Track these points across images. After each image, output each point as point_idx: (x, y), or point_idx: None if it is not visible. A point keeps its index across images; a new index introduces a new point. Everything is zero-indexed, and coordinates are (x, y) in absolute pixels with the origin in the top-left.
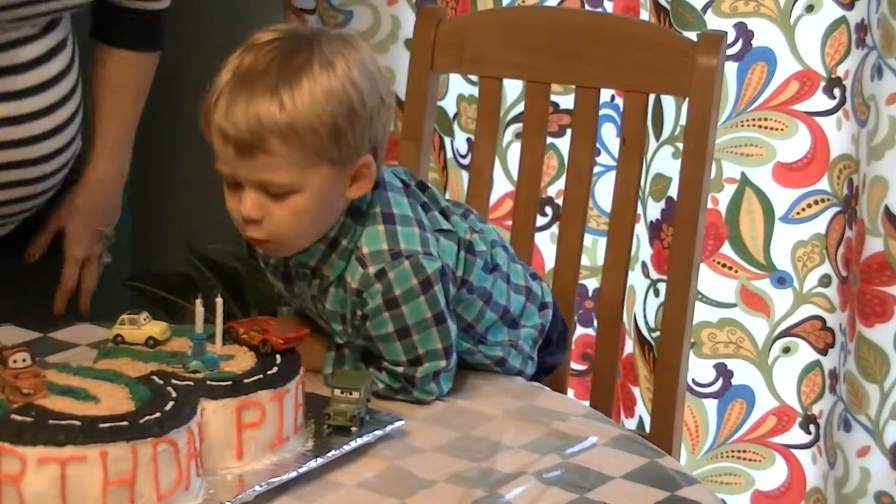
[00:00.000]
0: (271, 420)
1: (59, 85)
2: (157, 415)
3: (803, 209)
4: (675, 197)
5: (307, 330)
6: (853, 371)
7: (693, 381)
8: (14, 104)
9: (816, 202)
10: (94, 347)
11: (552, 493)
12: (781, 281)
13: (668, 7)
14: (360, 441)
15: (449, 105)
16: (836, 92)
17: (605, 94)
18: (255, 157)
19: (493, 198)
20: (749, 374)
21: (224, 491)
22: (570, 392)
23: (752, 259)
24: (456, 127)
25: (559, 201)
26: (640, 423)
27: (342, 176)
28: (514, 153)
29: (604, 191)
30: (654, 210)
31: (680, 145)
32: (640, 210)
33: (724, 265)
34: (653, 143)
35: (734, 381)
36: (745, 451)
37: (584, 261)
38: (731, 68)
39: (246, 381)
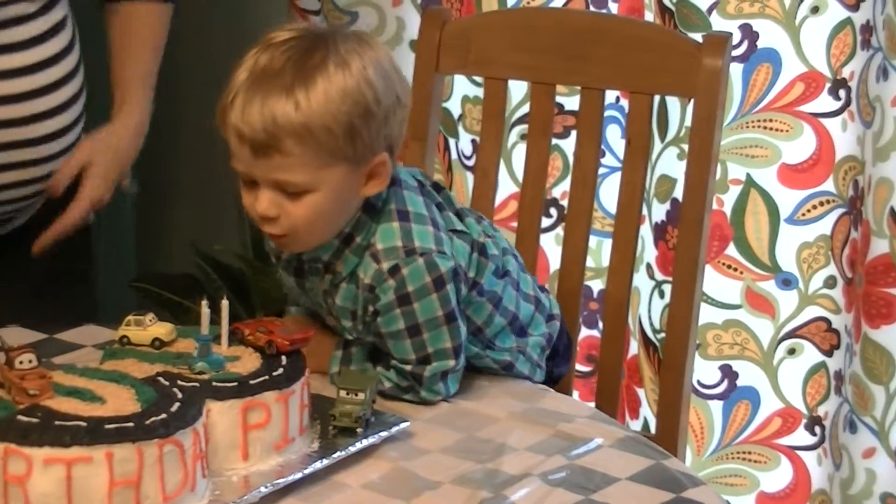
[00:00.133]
0: (277, 421)
1: (59, 64)
2: (163, 416)
3: (809, 210)
4: (680, 198)
5: (312, 331)
6: (859, 372)
7: (698, 382)
8: (12, 82)
9: (822, 203)
10: (99, 348)
11: (557, 494)
12: (787, 282)
13: (672, 8)
14: (365, 442)
15: (454, 106)
16: (842, 93)
17: (611, 96)
18: (270, 157)
19: (498, 199)
20: (754, 375)
21: (230, 492)
22: (575, 394)
23: (757, 260)
24: (461, 128)
25: (564, 203)
26: (646, 424)
27: (358, 174)
28: (519, 154)
29: (609, 192)
30: (659, 211)
31: (685, 146)
32: (645, 211)
33: (729, 266)
34: (658, 145)
35: (739, 383)
36: (750, 453)
37: (589, 262)
38: (736, 69)
39: (251, 382)
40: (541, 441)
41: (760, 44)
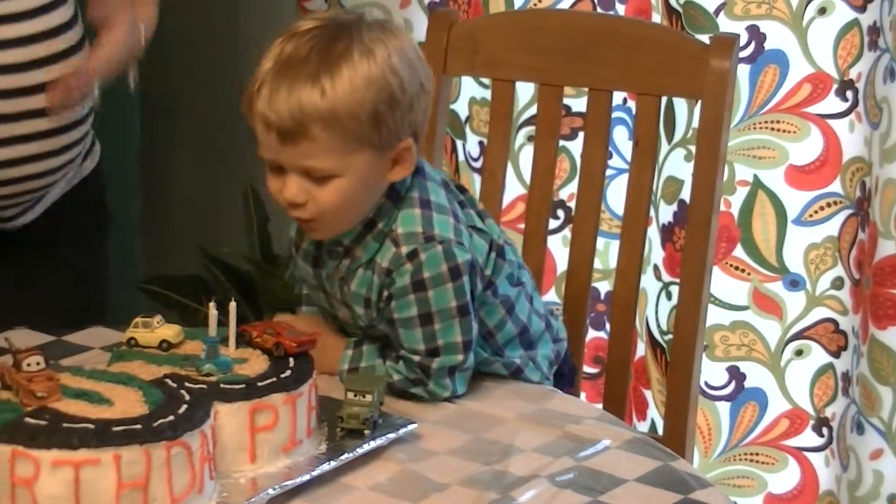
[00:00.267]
0: (284, 423)
1: (67, 34)
2: (171, 418)
3: (816, 212)
4: (687, 199)
5: (320, 333)
6: (866, 374)
7: (706, 383)
8: (22, 50)
9: (829, 205)
10: (107, 350)
11: (565, 496)
12: (794, 283)
13: (680, 10)
14: (372, 444)
15: (461, 108)
16: (849, 94)
17: (618, 97)
18: (297, 143)
19: (506, 201)
20: (762, 376)
21: (237, 494)
22: (583, 395)
23: (764, 262)
24: (468, 130)
25: (571, 204)
26: (653, 426)
27: (383, 160)
28: (526, 156)
29: (616, 194)
30: (666, 213)
31: (692, 148)
32: (652, 213)
33: (736, 268)
34: (665, 146)
35: (747, 384)
36: (757, 454)
37: (597, 264)
38: (743, 71)
39: (259, 384)
40: (548, 442)
41: (768, 45)
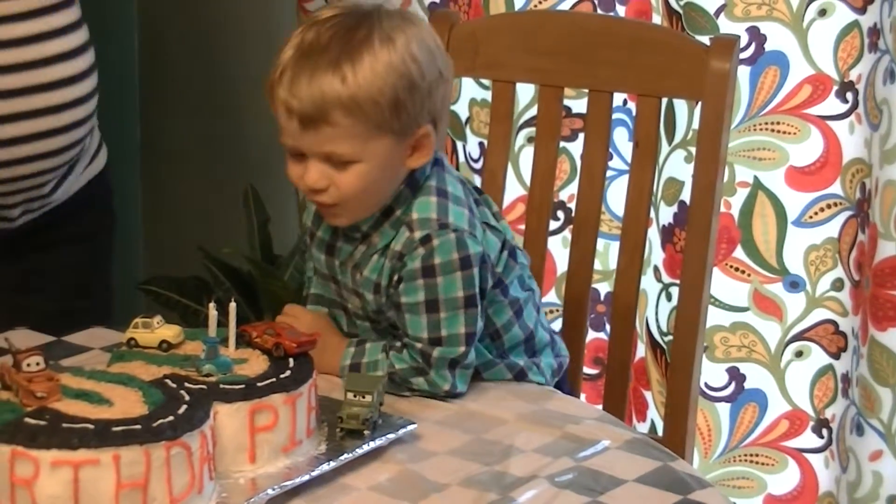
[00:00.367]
0: (284, 423)
1: (82, 56)
2: (171, 418)
3: (816, 213)
4: (687, 201)
5: (320, 333)
6: (866, 375)
7: (706, 384)
8: (42, 71)
9: (829, 206)
10: (107, 351)
11: (565, 496)
12: (794, 285)
13: (680, 11)
14: (372, 444)
15: (461, 109)
16: (849, 96)
17: (618, 99)
18: (318, 128)
19: (506, 202)
20: (762, 377)
21: (237, 494)
22: (583, 396)
23: (764, 263)
24: (468, 131)
25: (571, 205)
26: (653, 427)
27: (403, 146)
28: (526, 157)
29: (616, 195)
30: (666, 214)
31: (692, 149)
32: (652, 214)
33: (736, 269)
34: (665, 147)
35: (747, 385)
36: (757, 455)
37: (597, 265)
38: (743, 72)
39: (259, 384)
40: (548, 443)
41: (768, 46)
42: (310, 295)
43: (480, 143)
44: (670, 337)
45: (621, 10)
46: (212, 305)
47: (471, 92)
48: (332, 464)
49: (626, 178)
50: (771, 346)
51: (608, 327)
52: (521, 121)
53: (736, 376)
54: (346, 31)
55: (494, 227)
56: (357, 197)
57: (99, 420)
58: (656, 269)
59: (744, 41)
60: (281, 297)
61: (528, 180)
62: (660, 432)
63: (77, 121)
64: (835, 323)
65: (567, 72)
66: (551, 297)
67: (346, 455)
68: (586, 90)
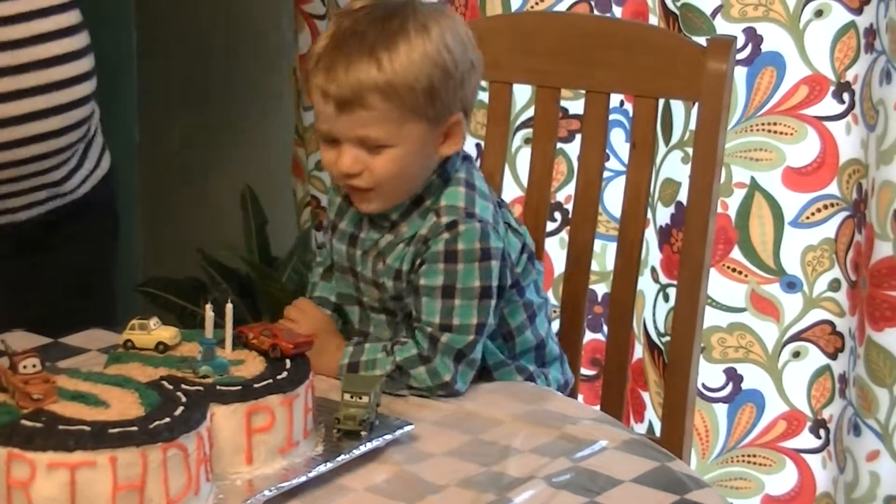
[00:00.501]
0: (281, 425)
1: (77, 35)
2: (167, 420)
3: (813, 214)
4: (684, 202)
5: (317, 335)
6: (863, 375)
7: (703, 385)
8: (36, 48)
9: (826, 206)
10: (104, 352)
11: (562, 496)
12: (791, 285)
13: (677, 12)
14: (369, 445)
15: None
16: (846, 96)
17: (615, 100)
18: (354, 112)
19: None
20: (759, 378)
21: (234, 495)
22: (580, 397)
23: (761, 263)
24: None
25: (568, 206)
26: (650, 427)
27: (435, 133)
28: (523, 158)
29: (613, 196)
30: (663, 215)
31: (689, 150)
32: (649, 215)
33: (733, 270)
34: (662, 148)
35: (744, 386)
36: (755, 456)
37: (594, 266)
38: (740, 73)
39: (256, 385)
40: (545, 443)
41: (765, 47)
42: (313, 298)
43: (477, 145)
44: (668, 338)
45: (618, 12)
46: (208, 307)
47: None
48: (329, 465)
49: (623, 179)
50: (768, 347)
51: (605, 328)
52: (518, 122)
53: (733, 377)
54: (382, 20)
55: (515, 230)
56: (390, 182)
57: (95, 422)
58: (653, 269)
59: (740, 42)
60: (279, 299)
61: (525, 181)
62: (657, 433)
63: (77, 99)
64: (832, 323)
65: (564, 73)
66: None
67: (342, 456)
68: (583, 91)
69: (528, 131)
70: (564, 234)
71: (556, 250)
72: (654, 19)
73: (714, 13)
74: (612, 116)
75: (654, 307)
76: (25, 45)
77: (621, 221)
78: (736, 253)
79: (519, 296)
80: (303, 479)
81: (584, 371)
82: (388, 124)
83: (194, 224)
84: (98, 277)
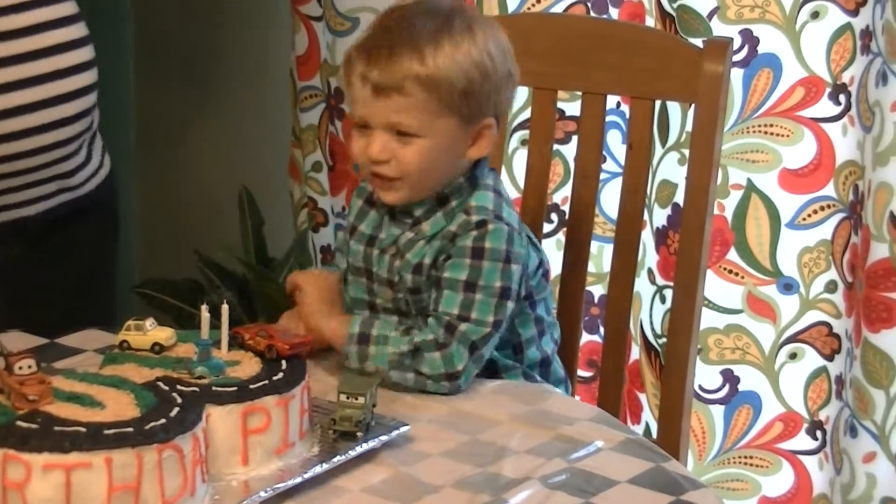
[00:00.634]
0: (277, 426)
1: (76, 25)
2: (163, 421)
3: (809, 215)
4: (681, 203)
5: (312, 336)
6: (859, 377)
7: (700, 387)
8: (39, 37)
9: (822, 208)
10: (100, 353)
11: (557, 497)
12: (788, 287)
13: (673, 14)
14: (365, 446)
15: None
16: (842, 98)
17: (612, 101)
18: (391, 97)
19: None
20: (756, 380)
21: (230, 496)
22: (577, 399)
23: (758, 265)
24: None
25: (565, 208)
26: (647, 429)
27: (466, 133)
28: (520, 160)
29: (610, 197)
30: (660, 216)
31: (686, 151)
32: (646, 216)
33: (730, 271)
34: (659, 150)
35: (741, 387)
36: (751, 457)
37: (591, 267)
38: (736, 74)
39: (251, 386)
40: (541, 444)
41: (761, 49)
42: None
43: None
44: (664, 339)
45: (614, 13)
46: (204, 307)
47: None
48: (325, 466)
49: (619, 180)
50: (765, 348)
51: (602, 330)
52: (515, 123)
53: (730, 378)
54: (430, 17)
55: (535, 245)
56: (416, 173)
57: (91, 423)
58: (650, 271)
59: (737, 44)
60: (275, 300)
61: (521, 183)
62: (654, 435)
63: (81, 88)
64: (828, 325)
65: (561, 74)
66: None
67: (338, 457)
68: (580, 93)
69: (524, 133)
70: (561, 236)
71: (553, 252)
72: (650, 21)
73: (710, 15)
74: (608, 118)
75: (650, 309)
76: (27, 34)
77: (618, 223)
78: (732, 254)
79: (531, 309)
80: (299, 480)
81: (580, 373)
82: (422, 114)
83: (191, 225)
84: (99, 278)
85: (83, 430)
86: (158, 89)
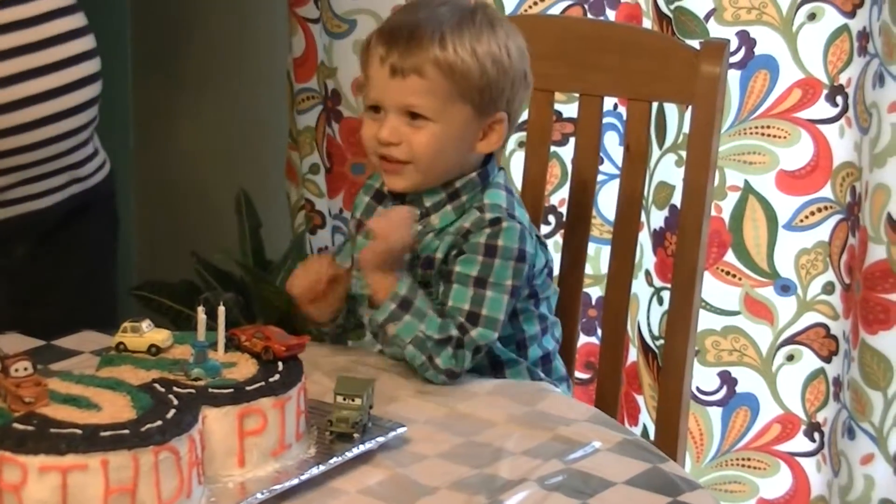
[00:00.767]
0: (273, 427)
1: (85, 37)
2: (159, 423)
3: (806, 217)
4: (678, 205)
5: (308, 337)
6: (857, 378)
7: (697, 388)
8: (42, 27)
9: (820, 210)
10: (97, 354)
11: (554, 499)
12: (785, 288)
13: (670, 15)
14: (362, 448)
15: None
16: (839, 100)
17: (609, 103)
18: (407, 77)
19: None
20: (753, 381)
21: (226, 498)
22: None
23: (755, 267)
24: None
25: (563, 210)
26: (645, 431)
27: (477, 125)
28: (517, 162)
29: (607, 199)
30: (657, 218)
31: (683, 153)
32: (643, 218)
33: (727, 273)
34: (656, 152)
35: (738, 389)
36: (749, 459)
37: (588, 269)
38: (733, 76)
39: (248, 388)
40: (538, 445)
41: (758, 50)
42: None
43: None
44: (662, 341)
45: (611, 15)
46: (200, 309)
47: None
48: (322, 467)
49: (617, 182)
50: (762, 350)
51: (600, 332)
52: None
53: (727, 380)
54: (453, 9)
55: (543, 244)
56: (425, 159)
57: (87, 425)
58: (648, 273)
59: (734, 45)
60: (273, 303)
61: (519, 185)
62: (652, 437)
63: (86, 76)
64: (826, 326)
65: (558, 76)
66: None
67: (335, 459)
68: (577, 94)
69: (522, 135)
70: (558, 238)
71: (551, 254)
72: (647, 23)
73: (707, 16)
74: (605, 120)
75: (648, 310)
76: (32, 25)
77: (615, 225)
78: (730, 256)
79: (535, 307)
80: (295, 481)
81: (578, 374)
82: (436, 99)
83: (188, 227)
84: (102, 278)
85: (79, 432)
86: (156, 91)
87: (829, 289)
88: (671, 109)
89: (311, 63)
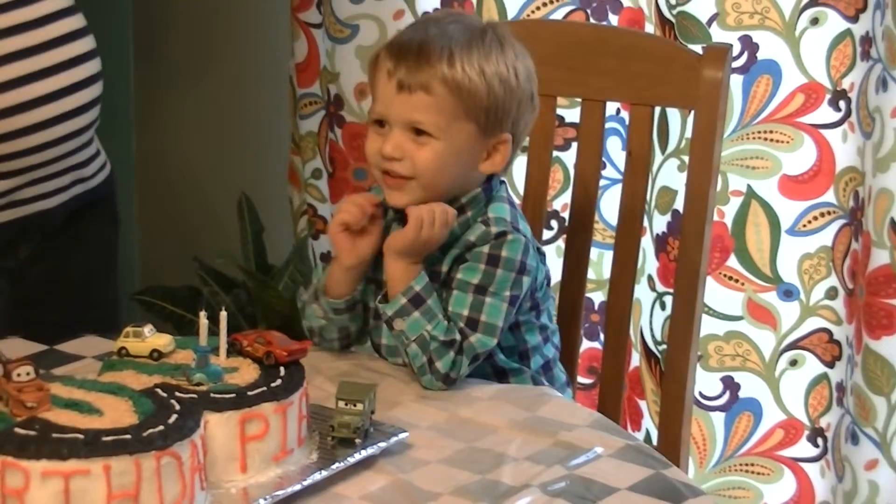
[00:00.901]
0: (275, 432)
1: (85, 38)
2: (161, 428)
3: (809, 221)
4: (681, 210)
5: (310, 342)
6: (860, 384)
7: (700, 394)
8: (45, 29)
9: (822, 214)
10: (99, 359)
11: None
12: (788, 293)
13: (673, 20)
14: (364, 453)
15: None
16: (842, 104)
17: (611, 108)
18: (413, 93)
19: None
20: (756, 386)
21: None
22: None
23: (758, 272)
24: None
25: (565, 215)
26: (647, 436)
27: (481, 145)
28: (519, 167)
29: (609, 204)
30: (660, 223)
31: (685, 158)
32: (645, 223)
33: (730, 278)
34: (658, 156)
35: (741, 394)
36: (753, 465)
37: (591, 274)
38: (736, 81)
39: (250, 393)
40: (540, 451)
41: (760, 55)
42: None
43: None
44: (664, 346)
45: (614, 20)
46: (202, 314)
47: None
48: (324, 473)
49: (619, 187)
50: (765, 355)
51: (602, 336)
52: None
53: (730, 385)
54: (465, 26)
55: (542, 254)
56: (428, 174)
57: (89, 430)
58: (650, 277)
59: (736, 50)
60: (275, 307)
61: (521, 190)
62: (654, 442)
63: (88, 77)
64: (829, 331)
65: (560, 81)
66: None
67: (337, 464)
68: (579, 99)
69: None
70: (561, 243)
71: (553, 259)
72: (650, 27)
73: (710, 21)
74: (608, 124)
75: (650, 315)
76: (34, 27)
77: (618, 229)
78: (732, 261)
79: (536, 318)
80: (297, 487)
81: (580, 379)
82: (442, 116)
83: (191, 232)
84: (104, 280)
85: (81, 437)
86: (158, 96)
87: (832, 294)
88: (673, 114)
89: (313, 68)
